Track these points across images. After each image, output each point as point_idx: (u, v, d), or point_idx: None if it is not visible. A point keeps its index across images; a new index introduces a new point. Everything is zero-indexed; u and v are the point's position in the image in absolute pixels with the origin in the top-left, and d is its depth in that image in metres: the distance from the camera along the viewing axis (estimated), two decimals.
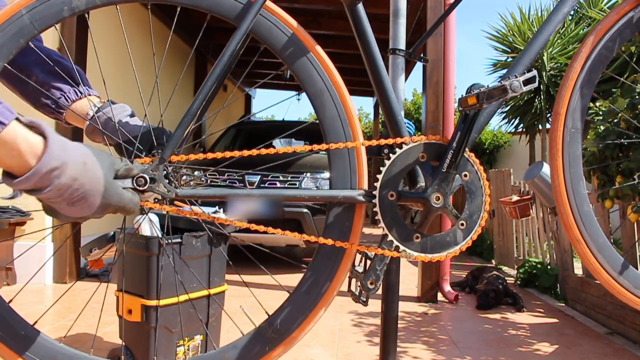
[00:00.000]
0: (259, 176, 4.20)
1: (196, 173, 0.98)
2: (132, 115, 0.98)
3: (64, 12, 0.79)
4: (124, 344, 1.88)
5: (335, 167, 0.86)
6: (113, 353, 1.95)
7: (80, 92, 0.98)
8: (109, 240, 1.93)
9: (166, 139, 0.92)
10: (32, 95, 0.98)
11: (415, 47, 1.37)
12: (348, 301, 3.19)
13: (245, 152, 0.82)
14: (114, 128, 0.94)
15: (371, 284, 0.86)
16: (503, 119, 6.99)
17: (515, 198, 4.26)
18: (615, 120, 2.30)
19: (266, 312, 0.87)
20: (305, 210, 4.19)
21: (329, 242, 0.83)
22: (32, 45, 0.90)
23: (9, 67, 0.81)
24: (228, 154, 0.84)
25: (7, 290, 3.16)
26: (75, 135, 3.25)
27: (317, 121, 0.87)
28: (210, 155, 0.84)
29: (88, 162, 0.71)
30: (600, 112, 2.63)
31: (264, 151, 0.84)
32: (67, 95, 0.97)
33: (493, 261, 5.75)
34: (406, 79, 6.76)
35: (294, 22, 0.86)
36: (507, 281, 3.76)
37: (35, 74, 0.95)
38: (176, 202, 0.88)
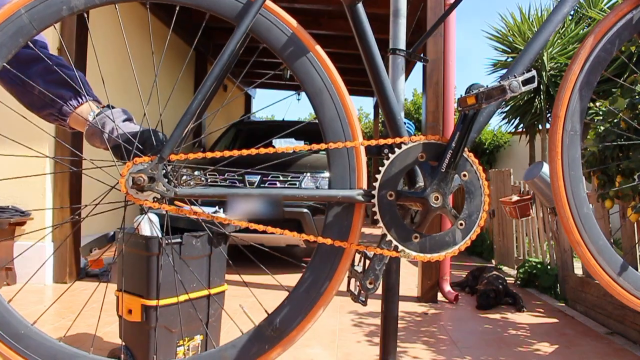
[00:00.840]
0: (259, 176, 4.20)
1: (196, 172, 0.98)
2: (128, 120, 0.99)
3: (63, 12, 0.79)
4: (124, 344, 1.88)
5: (335, 166, 0.86)
6: (113, 353, 1.95)
7: (81, 99, 1.00)
8: (109, 240, 1.94)
9: (158, 141, 0.93)
10: (36, 105, 1.01)
11: (415, 47, 1.37)
12: (348, 301, 3.19)
13: (245, 152, 0.82)
14: (111, 132, 0.96)
15: (370, 283, 0.86)
16: (503, 119, 6.99)
17: (515, 198, 4.26)
18: (615, 121, 2.30)
19: (265, 311, 0.87)
20: (305, 210, 4.19)
21: (328, 241, 0.83)
22: (40, 53, 0.92)
23: (17, 82, 0.82)
24: (227, 153, 0.84)
25: (7, 290, 3.16)
26: (75, 138, 3.26)
27: (317, 120, 0.87)
28: (209, 155, 0.84)
29: None
30: (600, 113, 2.63)
31: (263, 151, 0.84)
32: (70, 103, 1.00)
33: (493, 261, 5.75)
34: (406, 79, 6.77)
35: (293, 22, 0.86)
36: (507, 281, 3.76)
37: (38, 84, 0.98)
38: (176, 202, 0.88)
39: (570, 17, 6.37)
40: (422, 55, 2.76)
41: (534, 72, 0.87)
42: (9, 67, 0.81)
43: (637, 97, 2.20)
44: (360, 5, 0.89)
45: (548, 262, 4.18)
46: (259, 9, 0.83)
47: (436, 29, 1.54)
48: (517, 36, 6.50)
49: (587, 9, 5.92)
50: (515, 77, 0.86)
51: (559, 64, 6.07)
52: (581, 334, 2.87)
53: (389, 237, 0.85)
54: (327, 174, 4.36)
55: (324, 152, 0.85)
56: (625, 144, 2.19)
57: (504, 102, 0.93)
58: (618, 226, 2.93)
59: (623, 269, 0.91)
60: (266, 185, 4.27)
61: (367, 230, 7.16)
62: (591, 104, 2.92)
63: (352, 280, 0.91)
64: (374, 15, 5.04)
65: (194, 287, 1.91)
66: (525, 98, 6.35)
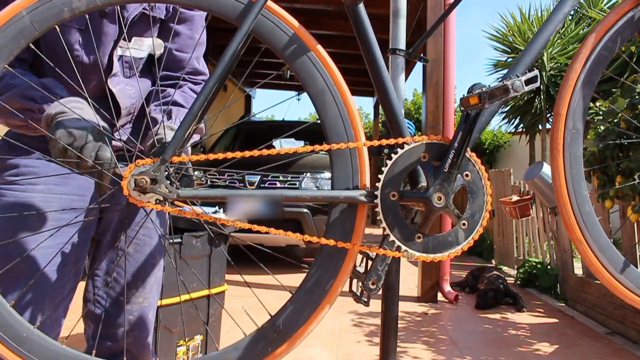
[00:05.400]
0: (259, 176, 4.20)
1: (196, 173, 0.98)
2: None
3: (65, 13, 0.79)
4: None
5: (337, 167, 0.85)
6: None
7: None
8: None
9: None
10: None
11: (415, 47, 1.37)
12: (348, 301, 3.19)
13: (248, 153, 0.82)
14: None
15: (373, 284, 0.86)
16: (503, 119, 6.99)
17: (515, 198, 4.26)
18: (615, 120, 2.31)
19: (268, 313, 0.86)
20: (305, 210, 4.19)
21: (331, 242, 0.83)
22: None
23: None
24: (230, 154, 0.84)
25: None
26: None
27: (318, 121, 0.87)
28: (212, 156, 0.83)
29: None
30: (600, 112, 2.63)
31: (266, 152, 0.84)
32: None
33: (493, 261, 5.75)
34: (406, 79, 6.77)
35: (295, 22, 0.86)
36: (507, 281, 3.76)
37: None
38: (176, 203, 0.88)
39: (570, 17, 6.37)
40: (422, 55, 2.76)
41: (536, 72, 0.87)
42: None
43: (637, 96, 2.21)
44: (361, 6, 0.89)
45: (548, 262, 4.18)
46: (260, 9, 0.83)
47: (436, 29, 1.54)
48: (517, 36, 6.50)
49: (587, 9, 5.92)
50: (518, 77, 0.86)
51: (559, 64, 6.07)
52: (581, 334, 2.87)
53: (392, 238, 0.84)
54: (327, 174, 4.36)
55: (324, 153, 0.85)
56: (625, 142, 2.19)
57: (505, 102, 0.93)
58: (618, 226, 2.93)
59: (625, 267, 0.91)
60: (266, 185, 4.26)
61: (367, 230, 7.16)
62: (591, 104, 2.92)
63: (354, 280, 0.91)
64: (374, 15, 5.03)
65: (194, 287, 1.91)
66: (525, 98, 6.35)
